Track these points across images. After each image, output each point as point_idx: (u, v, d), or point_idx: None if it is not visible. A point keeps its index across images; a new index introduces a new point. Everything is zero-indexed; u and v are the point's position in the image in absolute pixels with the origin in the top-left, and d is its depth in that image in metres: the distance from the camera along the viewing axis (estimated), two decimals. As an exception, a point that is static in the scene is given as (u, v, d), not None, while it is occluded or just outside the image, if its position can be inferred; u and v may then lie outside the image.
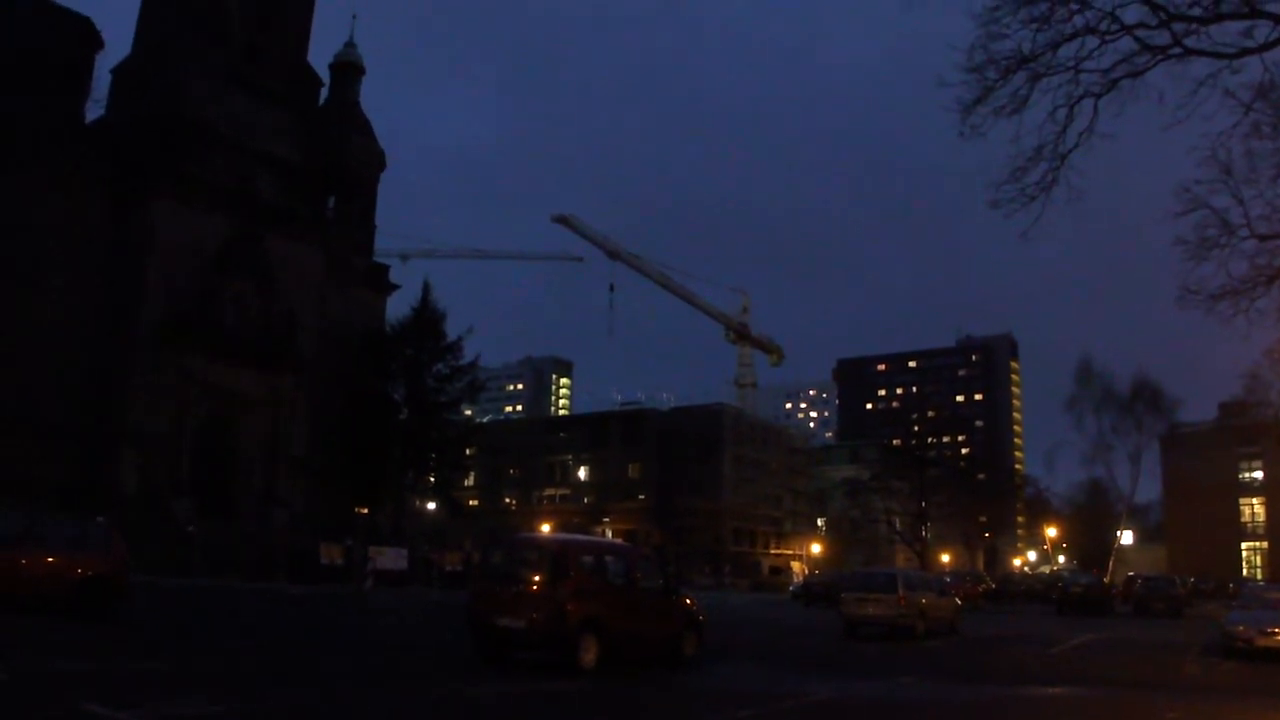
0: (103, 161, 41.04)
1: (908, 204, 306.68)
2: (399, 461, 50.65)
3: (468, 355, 53.35)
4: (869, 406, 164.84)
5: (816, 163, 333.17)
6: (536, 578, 13.86)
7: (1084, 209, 14.52)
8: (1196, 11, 12.14)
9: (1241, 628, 19.58)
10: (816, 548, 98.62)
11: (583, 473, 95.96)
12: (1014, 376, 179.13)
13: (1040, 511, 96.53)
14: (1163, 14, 12.23)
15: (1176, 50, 12.37)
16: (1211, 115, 12.81)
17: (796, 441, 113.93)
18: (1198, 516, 67.01)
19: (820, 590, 43.04)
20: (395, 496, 52.47)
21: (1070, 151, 13.14)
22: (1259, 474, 67.60)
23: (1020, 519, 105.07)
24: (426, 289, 52.40)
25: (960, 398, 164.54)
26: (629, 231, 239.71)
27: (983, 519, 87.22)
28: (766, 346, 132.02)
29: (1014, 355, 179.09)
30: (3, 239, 36.96)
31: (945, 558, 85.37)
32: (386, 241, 70.53)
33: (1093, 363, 65.15)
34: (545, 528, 71.67)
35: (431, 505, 63.36)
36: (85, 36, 41.51)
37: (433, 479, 54.85)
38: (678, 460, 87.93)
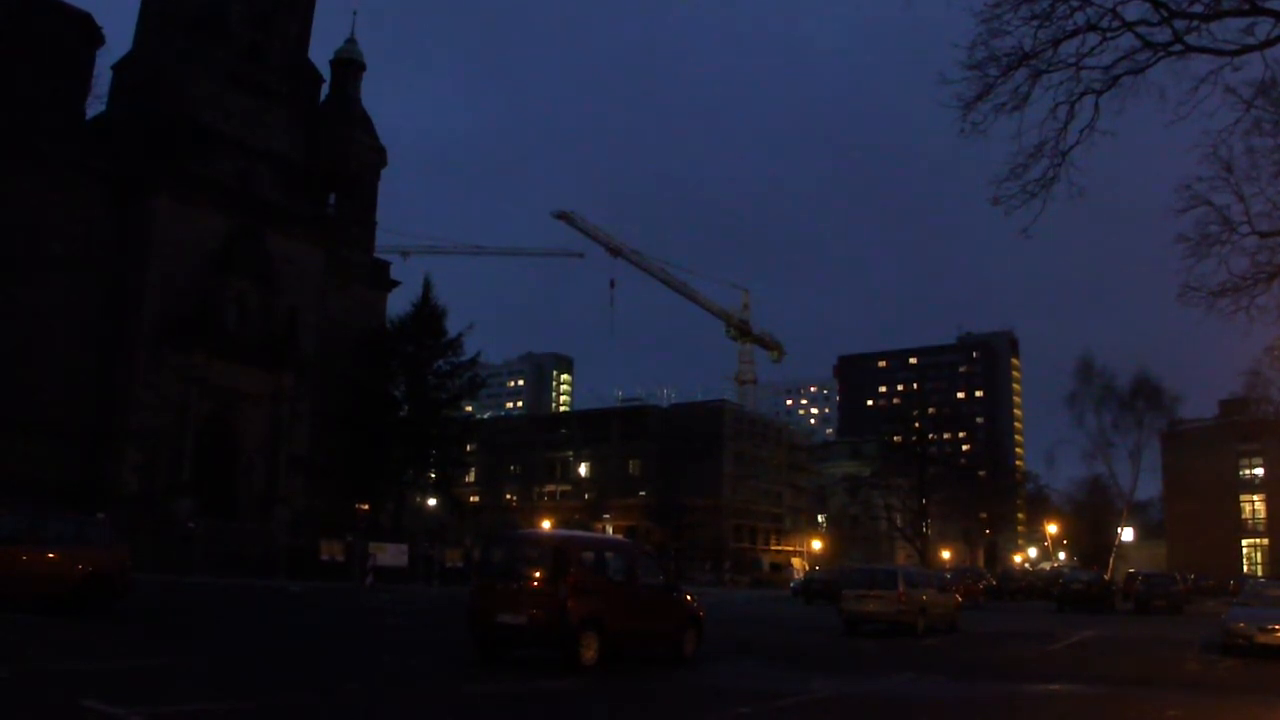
0: (103, 159, 41.03)
1: (909, 201, 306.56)
2: (399, 458, 50.68)
3: (468, 352, 53.53)
4: (869, 403, 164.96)
5: (816, 159, 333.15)
6: (537, 574, 13.84)
7: (1085, 206, 14.50)
8: (1198, 8, 12.12)
9: (1242, 625, 19.55)
10: (817, 544, 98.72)
11: (583, 469, 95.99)
12: (1014, 373, 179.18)
13: (1041, 508, 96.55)
14: (1164, 11, 12.20)
15: (1177, 47, 12.34)
16: (1213, 112, 12.81)
17: (797, 438, 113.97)
18: (1198, 513, 66.88)
19: (821, 587, 43.05)
20: (396, 493, 52.52)
21: (1071, 149, 13.11)
22: (1260, 471, 67.43)
23: (1021, 516, 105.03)
24: (427, 286, 52.49)
25: (961, 395, 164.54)
26: (629, 228, 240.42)
27: (983, 516, 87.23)
28: (767, 343, 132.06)
29: (1015, 352, 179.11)
30: (2, 236, 36.95)
31: (946, 554, 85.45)
32: (387, 238, 70.66)
33: (1093, 360, 65.13)
34: (546, 524, 71.71)
35: (432, 502, 63.36)
36: (86, 32, 41.46)
37: (433, 476, 54.88)
38: (678, 457, 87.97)
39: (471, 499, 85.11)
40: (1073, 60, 12.80)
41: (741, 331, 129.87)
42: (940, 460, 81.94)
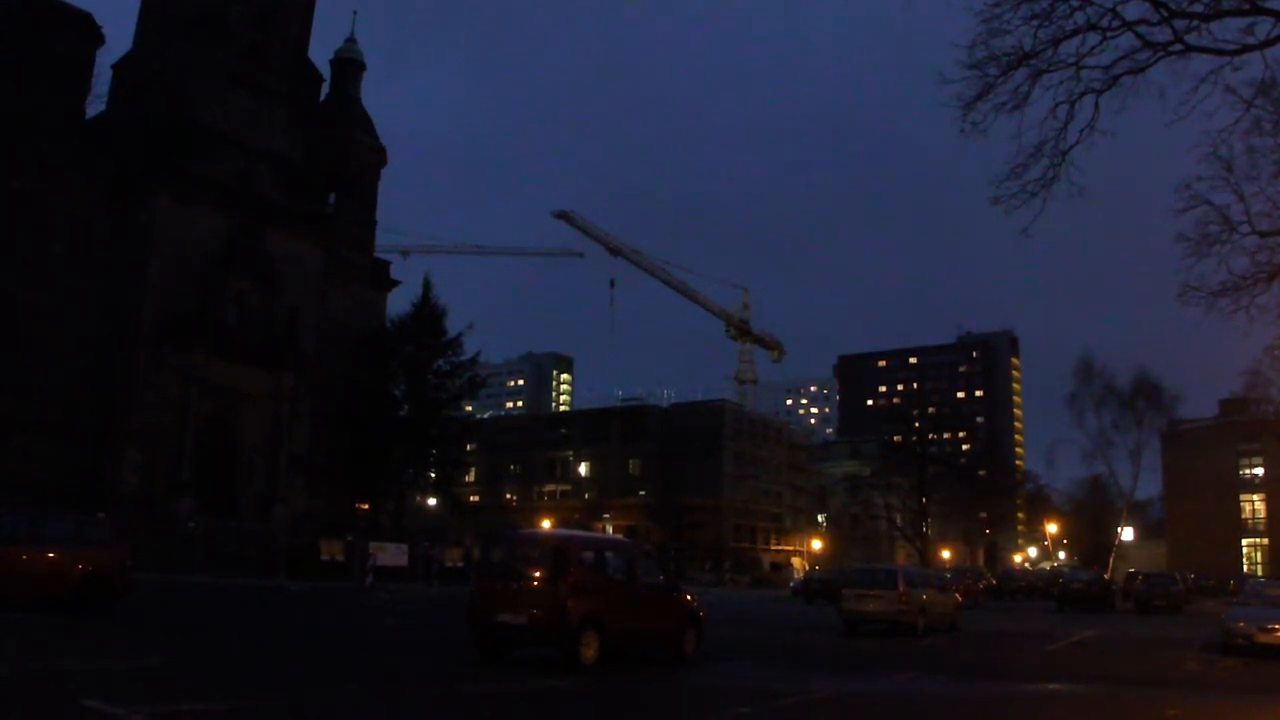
0: (103, 158, 41.02)
1: (909, 201, 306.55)
2: (399, 458, 50.67)
3: (468, 351, 53.56)
4: (869, 403, 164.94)
5: (816, 158, 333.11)
6: (537, 574, 13.84)
7: (1085, 206, 14.50)
8: (1198, 8, 12.11)
9: (1242, 624, 19.54)
10: (817, 544, 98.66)
11: (583, 469, 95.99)
12: (1014, 373, 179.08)
13: (1041, 508, 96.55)
14: (1164, 10, 12.20)
15: (1178, 47, 12.34)
16: (1213, 112, 12.81)
17: (797, 438, 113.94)
18: (1198, 513, 66.96)
19: (821, 587, 43.05)
20: (396, 493, 52.51)
21: (1071, 148, 13.12)
22: (1259, 470, 67.43)
23: (1021, 515, 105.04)
24: (427, 285, 52.49)
25: (961, 394, 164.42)
26: (629, 227, 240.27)
27: (983, 515, 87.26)
28: (767, 343, 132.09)
29: (1014, 352, 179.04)
30: (2, 236, 36.94)
31: (946, 554, 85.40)
32: (387, 238, 70.70)
33: (1093, 359, 65.13)
34: (546, 524, 71.68)
35: (432, 501, 63.36)
36: (86, 32, 41.42)
37: (433, 475, 54.88)
38: (678, 456, 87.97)
39: (471, 499, 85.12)
40: (1073, 60, 12.81)
41: (741, 331, 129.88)
42: (940, 460, 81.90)
